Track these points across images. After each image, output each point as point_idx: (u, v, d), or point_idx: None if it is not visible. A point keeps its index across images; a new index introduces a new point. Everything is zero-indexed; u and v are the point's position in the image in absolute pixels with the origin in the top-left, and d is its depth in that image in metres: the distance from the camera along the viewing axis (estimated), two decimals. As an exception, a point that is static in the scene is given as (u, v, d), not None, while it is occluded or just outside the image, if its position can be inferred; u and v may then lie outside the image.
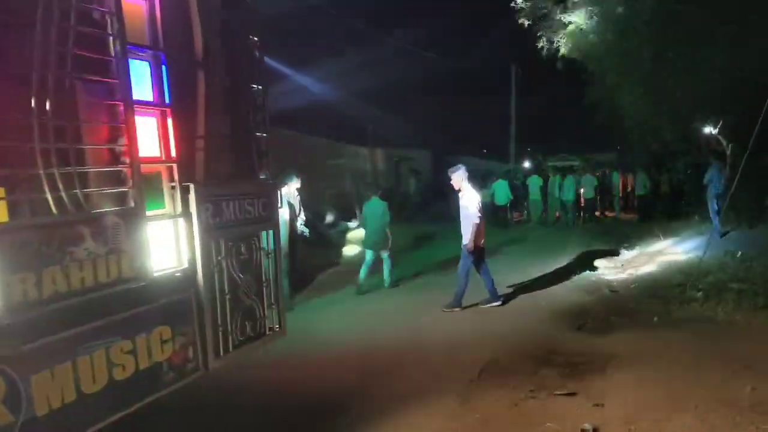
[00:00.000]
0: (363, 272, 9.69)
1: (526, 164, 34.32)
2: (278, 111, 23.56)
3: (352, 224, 18.68)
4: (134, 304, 2.57)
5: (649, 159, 22.16)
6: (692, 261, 9.88)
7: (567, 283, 9.15)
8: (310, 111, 22.65)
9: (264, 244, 3.35)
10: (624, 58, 15.49)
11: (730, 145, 20.75)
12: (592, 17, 16.28)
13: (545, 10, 16.97)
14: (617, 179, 19.50)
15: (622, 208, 19.93)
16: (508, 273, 9.83)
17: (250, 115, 3.34)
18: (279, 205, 7.87)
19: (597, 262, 10.86)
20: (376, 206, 9.94)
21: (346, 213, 19.43)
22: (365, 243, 10.12)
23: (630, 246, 12.87)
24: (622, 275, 9.78)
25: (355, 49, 26.27)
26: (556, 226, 17.77)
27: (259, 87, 3.40)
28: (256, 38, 3.42)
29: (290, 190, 8.85)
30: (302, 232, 8.99)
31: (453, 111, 35.28)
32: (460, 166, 8.07)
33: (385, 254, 9.76)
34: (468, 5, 43.92)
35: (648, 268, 10.22)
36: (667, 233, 13.89)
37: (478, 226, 7.70)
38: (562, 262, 10.96)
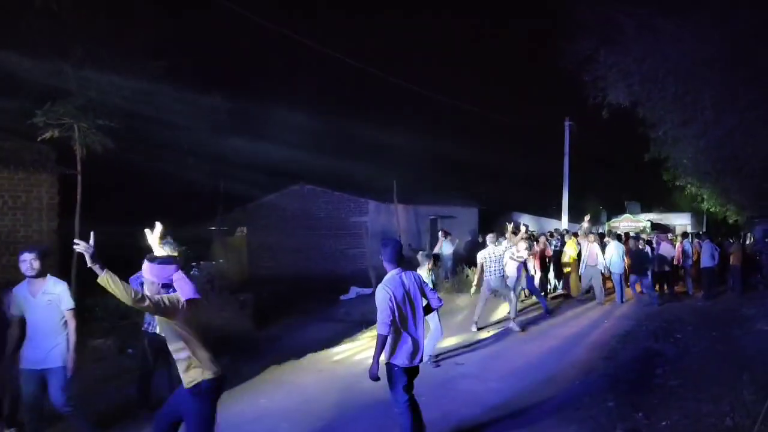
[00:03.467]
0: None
1: (585, 224, 31.38)
2: (298, 165, 22.33)
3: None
4: None
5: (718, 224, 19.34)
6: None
7: None
8: (333, 165, 21.08)
9: None
10: (681, 103, 13.02)
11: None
12: (643, 59, 13.84)
13: (590, 52, 14.67)
14: (689, 248, 16.29)
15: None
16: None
17: None
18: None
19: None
20: None
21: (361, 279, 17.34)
22: None
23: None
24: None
25: (391, 100, 24.82)
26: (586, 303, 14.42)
27: None
28: None
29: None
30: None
31: (506, 166, 32.83)
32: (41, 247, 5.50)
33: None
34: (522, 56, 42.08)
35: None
36: (733, 321, 11.10)
37: None
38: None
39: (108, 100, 10.01)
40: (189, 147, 16.83)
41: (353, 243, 19.53)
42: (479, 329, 10.65)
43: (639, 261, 14.14)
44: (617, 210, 36.19)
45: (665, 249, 15.03)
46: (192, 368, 3.96)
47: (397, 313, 4.94)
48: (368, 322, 12.07)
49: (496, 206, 29.44)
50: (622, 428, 5.65)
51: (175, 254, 5.96)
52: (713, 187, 17.11)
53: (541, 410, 6.29)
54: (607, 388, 7.00)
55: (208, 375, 3.96)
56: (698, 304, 14.17)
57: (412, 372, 5.09)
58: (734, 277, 15.58)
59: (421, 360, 5.17)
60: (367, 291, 16.61)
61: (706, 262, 15.16)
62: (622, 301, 14.03)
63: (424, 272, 8.05)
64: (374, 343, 5.11)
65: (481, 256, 11.05)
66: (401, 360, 4.99)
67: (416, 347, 5.05)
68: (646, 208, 37.40)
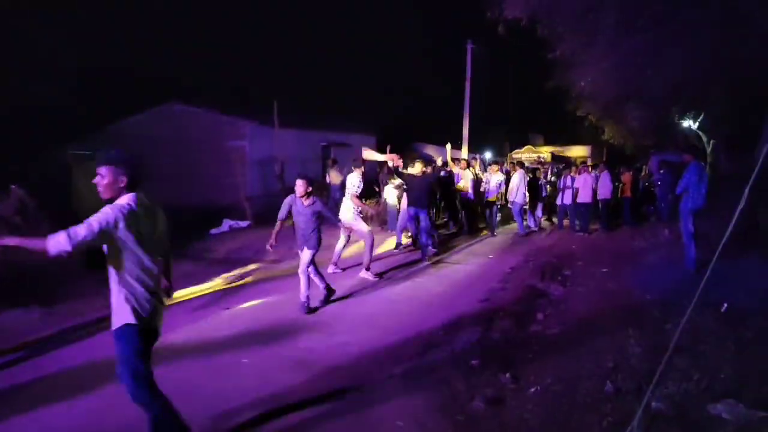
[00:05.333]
0: None
1: (488, 155, 30.70)
2: (164, 81, 19.90)
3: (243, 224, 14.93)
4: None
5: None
6: (652, 328, 6.23)
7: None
8: (208, 82, 18.80)
9: None
10: (581, 21, 11.88)
11: (711, 142, 17.37)
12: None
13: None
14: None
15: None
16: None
17: None
18: None
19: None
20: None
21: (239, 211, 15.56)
22: None
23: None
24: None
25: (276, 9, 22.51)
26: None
27: None
28: None
29: None
30: None
31: (409, 92, 31.30)
32: None
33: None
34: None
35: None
36: (619, 258, 10.30)
37: None
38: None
39: None
40: (30, 55, 14.27)
41: (232, 171, 17.64)
42: (343, 270, 9.30)
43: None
44: (523, 142, 35.80)
45: (585, 181, 14.20)
46: None
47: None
48: (232, 261, 10.59)
49: (396, 135, 28.02)
50: (482, 398, 4.46)
51: None
52: (612, 116, 16.38)
53: (390, 371, 5.02)
54: (476, 340, 5.83)
55: None
56: (591, 237, 13.47)
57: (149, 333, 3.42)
58: (625, 208, 15.02)
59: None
60: (243, 224, 15.00)
61: (603, 193, 14.43)
62: (524, 233, 13.50)
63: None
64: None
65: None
66: (133, 315, 3.31)
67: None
68: (550, 141, 37.30)
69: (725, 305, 6.50)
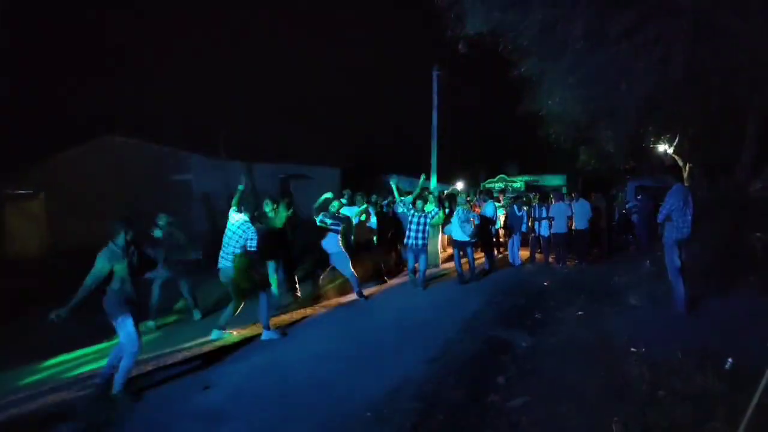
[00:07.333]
0: None
1: (459, 185, 29.54)
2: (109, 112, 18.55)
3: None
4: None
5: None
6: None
7: None
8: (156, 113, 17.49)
9: None
10: (548, 34, 10.83)
11: (688, 165, 16.40)
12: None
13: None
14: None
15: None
16: None
17: None
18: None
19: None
20: None
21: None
22: None
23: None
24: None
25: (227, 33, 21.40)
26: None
27: None
28: None
29: None
30: None
31: (376, 122, 30.23)
32: None
33: None
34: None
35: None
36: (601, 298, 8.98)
37: None
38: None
39: None
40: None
41: (177, 207, 16.20)
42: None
43: None
44: (499, 172, 34.88)
45: (560, 209, 12.99)
46: None
47: None
48: (162, 310, 9.07)
49: (363, 166, 26.74)
50: None
51: None
52: (585, 138, 15.33)
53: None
54: (411, 425, 4.42)
55: None
56: (565, 271, 12.20)
57: None
58: (602, 239, 13.83)
59: None
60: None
61: (579, 224, 13.20)
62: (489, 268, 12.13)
63: None
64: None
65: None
66: None
67: None
68: (526, 169, 36.40)
69: (730, 360, 5.22)
